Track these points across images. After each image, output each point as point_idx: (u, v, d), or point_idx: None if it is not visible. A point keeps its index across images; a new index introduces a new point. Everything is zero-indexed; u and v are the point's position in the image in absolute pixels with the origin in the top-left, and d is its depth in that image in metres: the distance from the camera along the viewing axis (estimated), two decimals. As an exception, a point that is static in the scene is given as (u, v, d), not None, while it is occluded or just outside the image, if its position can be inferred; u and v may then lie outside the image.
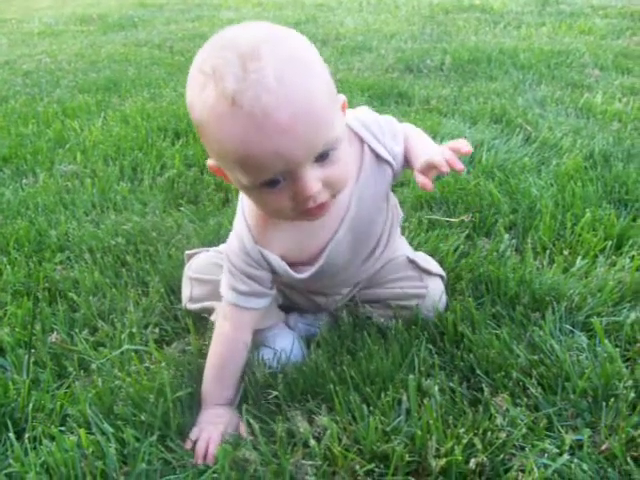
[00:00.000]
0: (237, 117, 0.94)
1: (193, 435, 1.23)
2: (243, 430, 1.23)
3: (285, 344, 1.39)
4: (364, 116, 1.30)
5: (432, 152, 1.17)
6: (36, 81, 4.30)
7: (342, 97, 1.13)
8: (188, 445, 1.22)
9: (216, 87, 0.95)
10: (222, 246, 1.55)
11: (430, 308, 1.45)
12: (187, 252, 1.63)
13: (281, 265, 1.28)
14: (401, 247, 1.53)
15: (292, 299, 1.53)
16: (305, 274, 1.31)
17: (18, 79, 4.42)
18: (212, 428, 1.22)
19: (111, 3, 9.57)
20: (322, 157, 1.03)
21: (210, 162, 1.14)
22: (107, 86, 3.94)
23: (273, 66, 0.94)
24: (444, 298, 1.49)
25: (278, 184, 1.03)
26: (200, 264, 1.54)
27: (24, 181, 2.48)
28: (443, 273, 1.53)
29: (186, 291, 1.55)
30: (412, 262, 1.48)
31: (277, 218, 1.19)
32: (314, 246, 1.30)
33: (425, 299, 1.45)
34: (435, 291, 1.47)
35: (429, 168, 1.16)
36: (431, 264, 1.51)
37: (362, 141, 1.27)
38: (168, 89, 3.75)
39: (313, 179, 1.03)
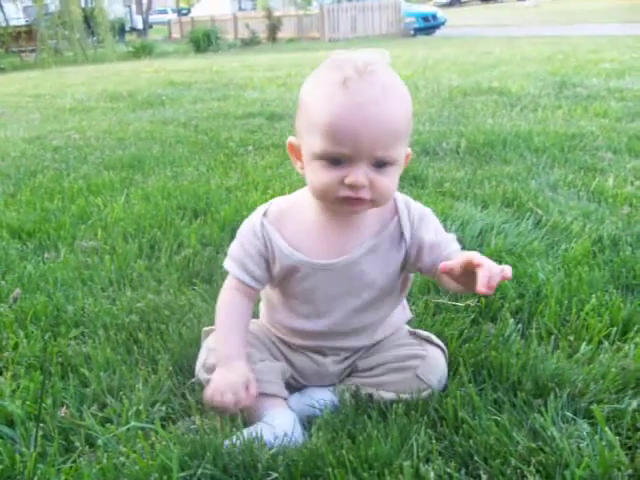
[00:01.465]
0: (342, 95, 1.26)
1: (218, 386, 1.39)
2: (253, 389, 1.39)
3: (285, 425, 1.40)
4: (412, 201, 1.51)
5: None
6: (64, 157, 4.46)
7: (409, 150, 1.42)
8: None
9: (339, 72, 1.28)
10: None
11: (432, 370, 1.51)
12: (205, 329, 1.70)
13: (281, 242, 1.47)
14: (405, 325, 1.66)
15: (293, 362, 1.59)
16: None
17: (47, 154, 4.59)
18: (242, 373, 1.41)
19: (141, 81, 9.93)
20: (379, 164, 1.29)
21: (292, 139, 1.43)
22: (132, 163, 4.08)
23: (384, 81, 1.29)
24: (444, 365, 1.55)
25: (339, 163, 1.29)
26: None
27: (46, 255, 2.55)
28: (443, 346, 1.59)
29: (201, 359, 1.60)
30: (413, 334, 1.61)
31: (319, 196, 1.38)
32: (325, 251, 1.46)
33: (424, 360, 1.51)
34: (434, 358, 1.54)
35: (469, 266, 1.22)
36: (432, 336, 1.61)
37: (396, 212, 1.46)
38: (190, 168, 3.86)
39: (363, 173, 1.28)
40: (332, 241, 1.45)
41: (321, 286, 1.48)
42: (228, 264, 1.55)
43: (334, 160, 1.29)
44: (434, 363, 1.53)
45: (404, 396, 1.48)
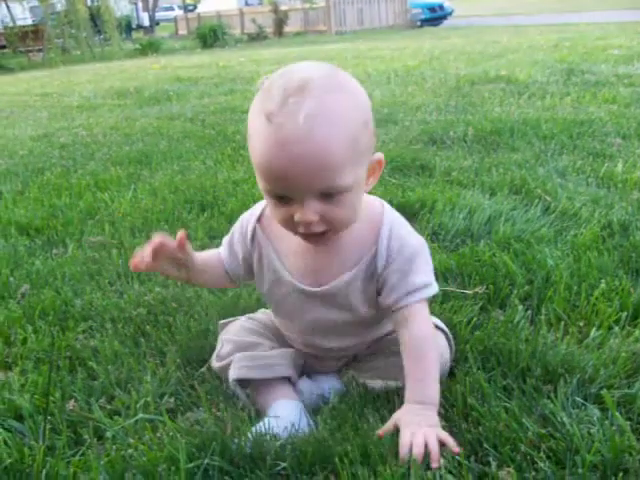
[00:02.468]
0: (266, 133, 1.16)
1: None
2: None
3: (292, 415, 1.40)
4: (398, 227, 1.40)
5: (408, 420, 1.28)
6: (72, 153, 4.47)
7: (378, 155, 1.31)
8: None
9: (263, 103, 1.18)
10: (260, 311, 1.75)
11: None
12: (221, 322, 1.72)
13: (272, 255, 1.44)
14: None
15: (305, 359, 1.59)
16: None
17: (55, 151, 4.60)
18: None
19: (148, 78, 9.94)
20: (326, 196, 1.20)
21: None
22: (139, 159, 4.08)
23: (311, 105, 1.14)
24: (445, 349, 1.52)
25: (286, 201, 1.22)
26: (233, 328, 1.65)
27: (54, 251, 2.56)
28: (447, 331, 1.57)
29: (216, 350, 1.62)
30: None
31: (283, 228, 1.32)
32: (309, 275, 1.42)
33: None
34: (439, 346, 1.48)
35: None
36: (435, 319, 1.57)
37: (377, 241, 1.37)
38: (197, 162, 3.86)
39: (310, 210, 1.21)
40: (314, 267, 1.41)
41: (301, 307, 1.46)
42: (223, 243, 1.58)
43: (279, 197, 1.23)
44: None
45: (392, 383, 1.47)
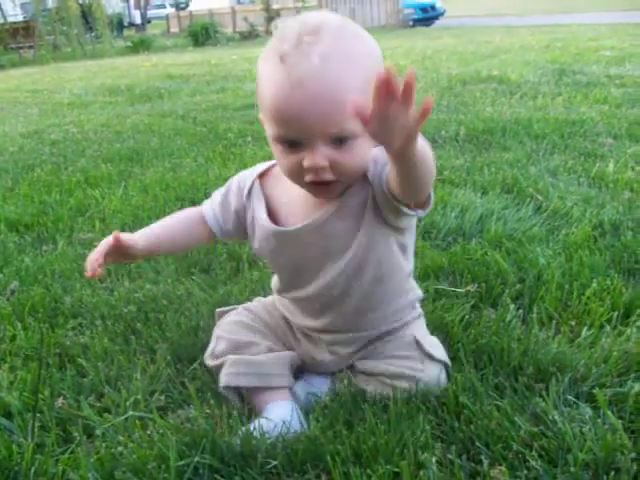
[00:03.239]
0: (279, 73, 1.16)
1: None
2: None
3: (283, 414, 1.39)
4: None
5: None
6: (62, 150, 4.45)
7: None
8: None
9: (276, 46, 1.18)
10: (255, 300, 1.70)
11: (426, 390, 1.42)
12: (218, 310, 1.70)
13: (260, 213, 1.43)
14: (414, 326, 1.53)
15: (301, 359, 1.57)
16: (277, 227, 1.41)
17: (45, 148, 4.58)
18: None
19: (140, 75, 9.91)
20: (338, 141, 1.19)
21: (261, 115, 1.31)
22: (130, 156, 4.06)
23: (325, 46, 1.13)
24: (444, 384, 1.45)
25: (296, 147, 1.20)
26: (226, 323, 1.61)
27: (44, 248, 2.54)
28: (448, 361, 1.50)
29: (210, 347, 1.59)
30: (417, 343, 1.47)
31: (289, 179, 1.30)
32: (298, 214, 1.39)
33: (417, 384, 1.41)
34: (433, 378, 1.43)
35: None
36: (437, 350, 1.49)
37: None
38: (189, 159, 3.85)
39: (321, 154, 1.18)
40: (306, 210, 1.37)
41: (297, 253, 1.42)
42: (206, 201, 1.57)
43: (290, 143, 1.21)
44: (429, 385, 1.42)
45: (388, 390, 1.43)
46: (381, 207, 1.33)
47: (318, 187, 1.26)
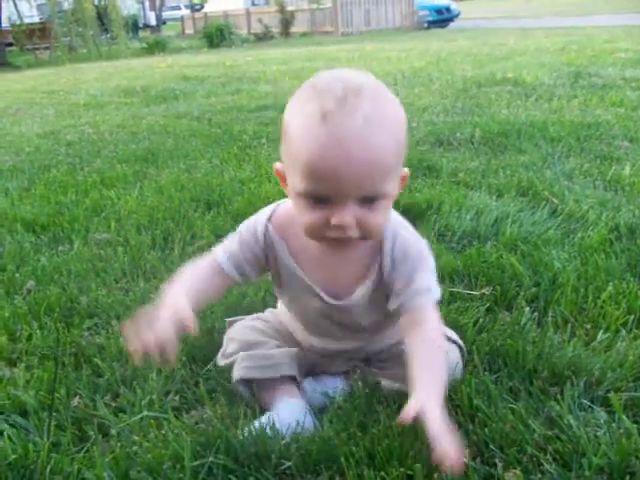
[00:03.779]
0: (321, 131, 1.14)
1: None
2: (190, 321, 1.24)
3: (295, 413, 1.40)
4: (402, 230, 1.39)
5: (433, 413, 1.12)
6: (78, 151, 4.48)
7: (406, 170, 1.32)
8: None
9: (318, 102, 1.16)
10: (267, 311, 1.74)
11: None
12: (228, 320, 1.73)
13: (285, 254, 1.42)
14: None
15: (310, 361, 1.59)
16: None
17: (62, 149, 4.61)
18: (164, 328, 1.22)
19: (155, 76, 9.95)
20: (368, 201, 1.20)
21: (278, 165, 1.34)
22: (145, 157, 4.08)
23: (368, 108, 1.15)
24: (457, 360, 1.50)
25: (324, 203, 1.20)
26: (237, 327, 1.65)
27: (60, 248, 2.56)
28: (461, 343, 1.55)
29: (222, 349, 1.63)
30: None
31: (308, 234, 1.29)
32: (327, 283, 1.42)
33: None
34: (450, 355, 1.46)
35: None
36: (452, 333, 1.56)
37: (381, 249, 1.37)
38: (204, 160, 3.86)
39: (350, 213, 1.19)
40: (331, 276, 1.41)
41: (315, 310, 1.47)
42: (218, 249, 1.48)
43: (318, 199, 1.20)
44: (450, 362, 1.43)
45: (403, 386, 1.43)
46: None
47: (339, 242, 1.27)
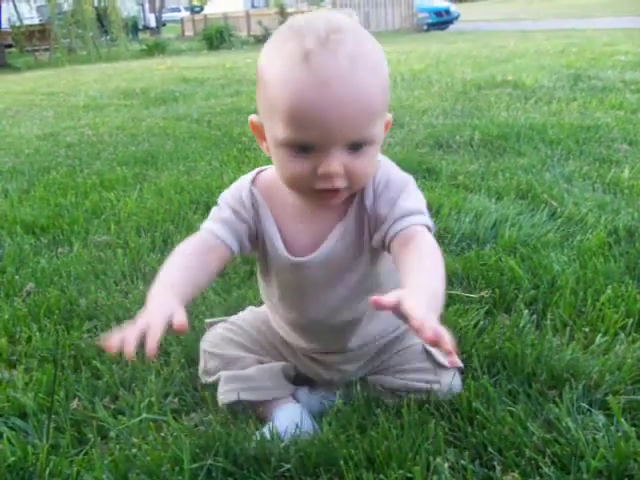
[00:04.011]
0: (303, 72, 1.06)
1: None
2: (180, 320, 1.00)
3: (294, 416, 1.40)
4: (384, 167, 1.29)
5: (418, 302, 0.91)
6: (78, 153, 4.48)
7: (389, 116, 1.23)
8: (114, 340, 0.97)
9: (297, 42, 1.08)
10: (240, 314, 1.66)
11: (442, 397, 1.42)
12: (207, 320, 1.69)
13: (268, 214, 1.33)
14: None
15: (297, 365, 1.55)
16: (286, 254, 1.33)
17: (61, 150, 4.61)
18: (155, 312, 1.03)
19: (154, 78, 9.95)
20: (355, 147, 1.12)
21: (253, 117, 1.25)
22: (145, 159, 4.09)
23: (352, 47, 1.08)
24: (458, 389, 1.44)
25: (308, 151, 1.12)
26: (213, 338, 1.58)
27: (59, 250, 2.56)
28: (461, 364, 1.49)
29: (201, 364, 1.57)
30: (427, 353, 1.45)
31: (291, 187, 1.22)
32: (303, 241, 1.33)
33: (435, 394, 1.41)
34: (448, 386, 1.42)
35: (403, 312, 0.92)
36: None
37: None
38: (203, 163, 3.86)
39: (337, 160, 1.12)
40: (309, 231, 1.32)
41: (301, 281, 1.37)
42: (205, 223, 1.36)
43: (302, 148, 1.12)
44: (445, 393, 1.41)
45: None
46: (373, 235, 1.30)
47: (326, 194, 1.18)
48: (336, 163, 1.12)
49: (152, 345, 0.97)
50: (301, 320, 1.45)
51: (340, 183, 1.15)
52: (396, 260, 1.21)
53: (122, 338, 0.97)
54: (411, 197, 1.26)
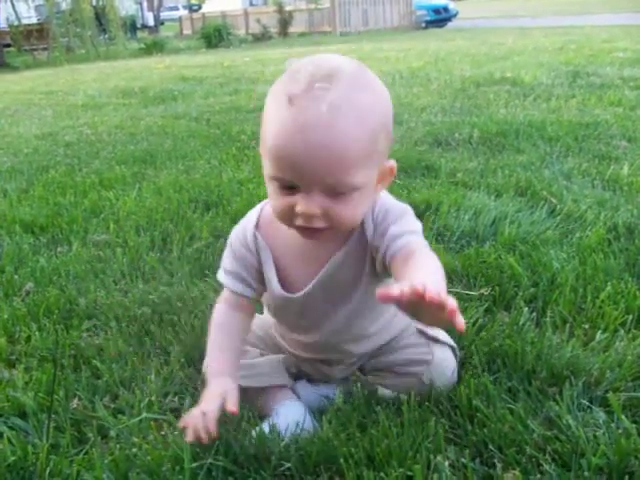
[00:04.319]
0: (286, 115, 1.11)
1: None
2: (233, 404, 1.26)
3: (295, 415, 1.40)
4: (380, 200, 1.32)
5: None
6: (76, 152, 4.48)
7: (391, 162, 1.26)
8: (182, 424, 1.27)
9: (288, 85, 1.13)
10: None
11: (438, 376, 1.44)
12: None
13: (269, 256, 1.38)
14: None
15: (300, 368, 1.57)
16: (284, 293, 1.39)
17: (60, 150, 4.61)
18: (209, 401, 1.28)
19: (153, 77, 9.95)
20: (334, 192, 1.15)
21: (260, 148, 1.26)
22: (144, 158, 4.08)
23: (335, 96, 1.10)
24: (453, 367, 1.48)
25: (291, 190, 1.16)
26: None
27: (58, 249, 2.56)
28: (453, 344, 1.51)
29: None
30: (420, 332, 1.49)
31: (278, 219, 1.26)
32: (303, 274, 1.37)
33: (431, 366, 1.44)
34: (443, 360, 1.46)
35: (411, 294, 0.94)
36: (440, 333, 1.50)
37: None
38: (202, 161, 3.86)
39: (314, 203, 1.15)
40: (309, 263, 1.36)
41: (302, 311, 1.41)
42: (222, 276, 1.45)
43: (287, 185, 1.16)
44: (440, 368, 1.45)
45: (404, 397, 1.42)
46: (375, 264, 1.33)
47: (307, 231, 1.22)
48: (312, 205, 1.15)
49: (212, 428, 1.24)
50: (304, 339, 1.49)
51: (319, 223, 1.18)
52: (397, 276, 1.23)
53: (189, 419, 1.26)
54: (409, 222, 1.30)
